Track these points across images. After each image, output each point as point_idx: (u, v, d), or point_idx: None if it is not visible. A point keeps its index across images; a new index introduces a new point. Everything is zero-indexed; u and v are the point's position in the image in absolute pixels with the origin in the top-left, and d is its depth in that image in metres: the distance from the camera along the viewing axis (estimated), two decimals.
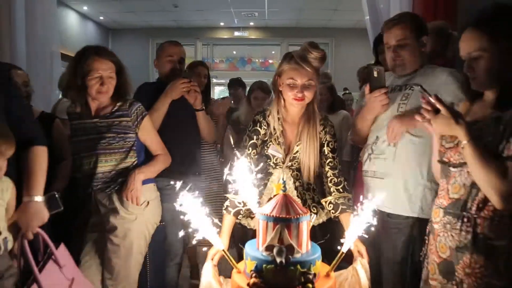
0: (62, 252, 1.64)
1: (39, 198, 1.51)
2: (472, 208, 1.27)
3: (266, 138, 1.81)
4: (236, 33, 8.80)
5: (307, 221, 1.40)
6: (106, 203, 1.88)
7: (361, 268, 1.55)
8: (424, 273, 1.49)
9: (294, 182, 1.81)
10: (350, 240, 1.43)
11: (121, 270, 1.85)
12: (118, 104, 1.92)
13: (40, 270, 1.51)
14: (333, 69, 8.30)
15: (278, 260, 1.29)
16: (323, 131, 1.80)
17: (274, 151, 1.81)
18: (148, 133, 1.97)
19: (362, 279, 1.52)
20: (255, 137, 1.80)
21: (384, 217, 1.78)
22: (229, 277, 1.49)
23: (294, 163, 1.81)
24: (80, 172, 1.91)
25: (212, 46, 9.61)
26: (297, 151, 1.79)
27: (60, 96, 3.37)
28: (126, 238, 1.86)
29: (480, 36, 1.26)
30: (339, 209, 1.73)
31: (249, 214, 1.83)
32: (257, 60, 10.54)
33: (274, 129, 1.79)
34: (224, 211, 1.73)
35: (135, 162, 1.93)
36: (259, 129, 1.80)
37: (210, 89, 3.00)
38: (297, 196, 1.80)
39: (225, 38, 8.95)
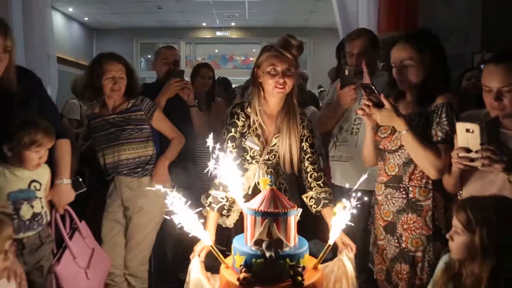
0: (83, 226, 1.98)
1: (67, 181, 1.85)
2: (406, 180, 1.66)
3: (244, 130, 1.81)
4: (218, 33, 9.11)
5: (295, 215, 1.42)
6: (133, 186, 2.19)
7: (347, 259, 1.59)
8: (372, 237, 1.86)
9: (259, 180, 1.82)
10: (336, 233, 1.47)
11: (141, 244, 2.19)
12: (131, 101, 2.24)
13: (70, 239, 1.85)
14: (311, 67, 8.72)
15: (267, 254, 1.31)
16: (301, 125, 1.83)
17: (251, 143, 1.82)
18: (160, 121, 2.30)
19: (349, 270, 1.57)
20: (233, 129, 1.80)
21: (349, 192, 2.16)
22: (216, 273, 1.52)
23: (271, 157, 1.84)
24: (104, 162, 2.22)
25: (194, 45, 9.90)
26: (274, 144, 1.81)
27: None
28: (149, 218, 2.19)
29: (411, 48, 1.66)
30: (321, 203, 1.77)
31: (226, 213, 1.86)
32: (238, 58, 10.83)
33: (253, 121, 1.80)
34: (208, 208, 1.75)
35: (154, 151, 2.26)
36: (237, 121, 1.80)
37: (215, 90, 3.19)
38: None
39: (208, 37, 9.26)
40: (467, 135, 1.35)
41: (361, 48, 2.19)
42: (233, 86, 5.24)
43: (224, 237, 1.84)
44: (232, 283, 1.35)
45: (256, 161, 1.83)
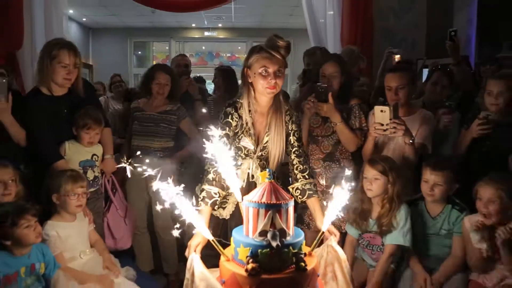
0: (120, 190, 2.77)
1: (111, 156, 2.64)
2: (337, 155, 2.49)
3: (237, 130, 1.89)
4: (206, 33, 9.81)
5: (292, 206, 1.51)
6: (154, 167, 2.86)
7: (336, 244, 1.71)
8: None
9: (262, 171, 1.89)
10: (329, 220, 1.60)
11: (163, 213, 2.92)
12: (170, 106, 2.93)
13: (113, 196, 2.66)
14: (291, 65, 9.52)
15: (273, 244, 1.37)
16: (290, 121, 1.93)
17: (246, 143, 1.90)
18: (185, 125, 2.97)
19: (340, 254, 1.69)
20: (227, 128, 1.87)
21: None
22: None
23: (264, 153, 1.93)
24: (135, 145, 2.85)
25: (183, 42, 10.59)
26: (266, 141, 1.91)
27: None
28: None
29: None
30: (306, 194, 1.88)
31: (221, 205, 1.96)
32: (224, 55, 11.50)
33: (246, 121, 1.88)
34: (201, 202, 1.78)
35: (173, 144, 2.95)
36: (230, 121, 1.88)
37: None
38: None
39: (197, 37, 9.95)
40: (381, 114, 2.19)
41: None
42: None
43: (216, 227, 1.93)
44: (239, 275, 1.40)
45: (250, 158, 1.94)
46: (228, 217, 1.97)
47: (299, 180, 1.90)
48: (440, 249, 2.12)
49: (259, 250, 1.39)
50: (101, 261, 2.12)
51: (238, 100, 1.92)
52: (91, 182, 2.41)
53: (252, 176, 1.93)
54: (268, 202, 1.43)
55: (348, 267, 1.70)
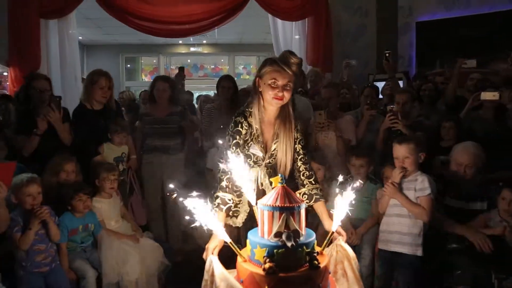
0: (137, 183, 3.66)
1: (135, 157, 3.52)
2: None
3: (246, 138, 1.95)
4: (192, 49, 10.73)
5: (305, 208, 1.59)
6: (163, 160, 3.60)
7: (345, 243, 1.78)
8: None
9: (269, 179, 1.95)
10: (338, 220, 1.68)
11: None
12: (174, 109, 3.62)
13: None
14: None
15: (289, 244, 1.45)
16: (295, 130, 1.99)
17: (255, 150, 1.97)
18: (187, 127, 3.75)
19: (350, 252, 1.74)
20: (237, 137, 1.93)
21: None
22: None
23: (272, 161, 2.00)
24: (148, 145, 3.59)
25: (170, 56, 11.45)
26: (274, 149, 1.97)
27: None
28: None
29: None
30: (313, 198, 1.94)
31: (233, 214, 2.04)
32: (208, 67, 12.45)
33: (256, 129, 1.94)
34: (216, 209, 1.86)
35: (180, 140, 3.69)
36: (240, 129, 1.93)
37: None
38: None
39: (183, 52, 10.86)
40: (319, 116, 3.22)
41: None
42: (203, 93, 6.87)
43: (233, 236, 1.93)
44: (257, 274, 1.48)
45: (259, 165, 2.01)
46: (241, 225, 2.06)
47: (306, 186, 1.99)
48: (362, 213, 2.96)
49: (275, 250, 1.49)
50: (130, 226, 3.02)
51: (247, 109, 1.99)
52: (121, 172, 3.30)
53: (261, 184, 2.03)
54: (282, 205, 1.52)
55: (358, 264, 1.78)
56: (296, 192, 1.93)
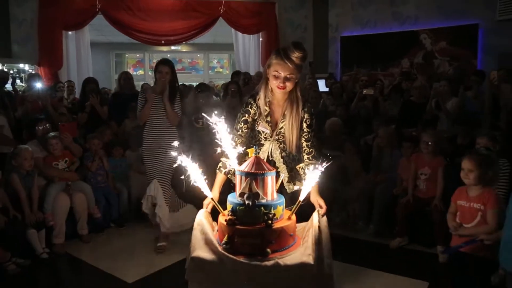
0: None
1: None
2: None
3: (255, 117, 2.21)
4: (173, 47, 12.54)
5: (272, 176, 1.87)
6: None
7: (316, 213, 2.00)
8: None
9: (281, 153, 2.24)
10: (306, 189, 1.91)
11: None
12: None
13: None
14: None
15: (246, 202, 1.76)
16: (303, 111, 2.18)
17: (262, 127, 2.21)
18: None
19: (314, 221, 1.94)
20: (246, 115, 2.20)
21: None
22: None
23: (280, 137, 2.21)
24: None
25: (153, 53, 13.20)
26: (281, 127, 2.19)
27: None
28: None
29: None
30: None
31: (233, 174, 2.18)
32: (186, 61, 14.29)
33: (263, 109, 2.18)
34: (217, 170, 2.18)
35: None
36: (250, 109, 2.20)
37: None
38: (283, 163, 2.22)
39: (165, 50, 12.66)
40: None
41: None
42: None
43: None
44: (222, 224, 1.86)
45: (269, 141, 2.24)
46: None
47: (305, 161, 2.18)
48: None
49: (237, 207, 1.81)
50: None
51: (258, 92, 2.21)
52: None
53: (271, 155, 2.24)
54: (248, 171, 1.83)
55: (317, 232, 1.88)
56: (296, 167, 2.24)
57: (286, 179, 2.25)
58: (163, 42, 7.75)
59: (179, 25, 7.49)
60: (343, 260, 3.08)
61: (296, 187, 2.21)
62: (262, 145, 2.25)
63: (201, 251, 1.86)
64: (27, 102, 4.73)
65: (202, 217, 2.00)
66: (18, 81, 7.14)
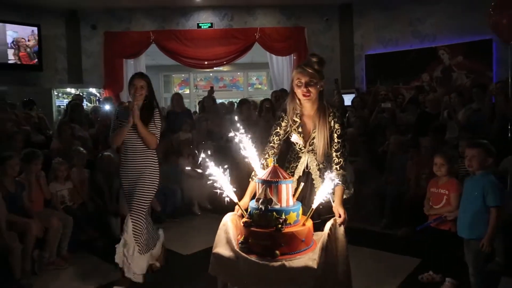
0: None
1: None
2: None
3: (287, 129, 2.33)
4: (215, 68, 13.70)
5: (287, 184, 1.99)
6: None
7: (330, 222, 2.04)
8: None
9: (318, 165, 2.31)
10: (319, 199, 2.00)
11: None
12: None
13: None
14: None
15: (260, 207, 1.93)
16: (333, 121, 2.25)
17: (295, 139, 2.32)
18: None
19: (326, 229, 2.00)
20: (278, 128, 2.34)
21: None
22: None
23: (314, 147, 2.28)
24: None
25: (197, 73, 14.35)
26: (313, 138, 2.27)
27: None
28: None
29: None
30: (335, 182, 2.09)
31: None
32: (227, 78, 15.17)
33: (294, 121, 2.29)
34: (250, 179, 2.29)
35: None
36: (281, 122, 2.34)
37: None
38: (319, 176, 2.28)
39: (207, 70, 13.83)
40: None
41: None
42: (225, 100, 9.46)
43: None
44: (240, 225, 2.05)
45: (303, 152, 2.35)
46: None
47: (333, 171, 2.21)
48: None
49: (254, 211, 1.99)
50: None
51: (286, 105, 2.35)
52: None
53: (308, 166, 2.35)
54: (264, 179, 1.99)
55: (325, 239, 1.95)
56: (325, 176, 2.12)
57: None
58: (206, 63, 8.87)
59: (219, 50, 8.61)
60: (362, 245, 3.87)
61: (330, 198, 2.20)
62: (300, 157, 2.37)
63: (221, 249, 2.06)
64: (99, 121, 5.88)
65: (228, 219, 2.16)
66: (86, 102, 8.52)
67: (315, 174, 2.32)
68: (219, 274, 2.11)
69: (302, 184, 2.21)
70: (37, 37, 7.91)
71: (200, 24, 8.80)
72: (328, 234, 1.98)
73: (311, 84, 2.17)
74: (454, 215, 2.96)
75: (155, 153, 3.21)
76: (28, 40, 7.90)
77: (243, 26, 8.92)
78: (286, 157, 2.43)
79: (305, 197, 2.27)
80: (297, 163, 2.37)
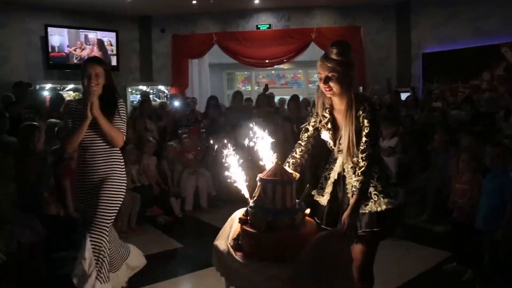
0: None
1: None
2: None
3: (316, 126, 2.18)
4: (276, 66, 14.16)
5: (283, 185, 1.93)
6: None
7: (322, 233, 1.96)
8: None
9: (353, 167, 2.04)
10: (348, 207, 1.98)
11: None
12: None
13: None
14: None
15: (252, 205, 1.97)
16: (361, 116, 1.99)
17: (325, 136, 2.16)
18: None
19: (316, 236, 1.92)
20: (307, 124, 2.23)
21: None
22: None
23: (341, 147, 2.07)
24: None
25: (259, 71, 14.85)
26: (341, 135, 2.05)
27: None
28: None
29: None
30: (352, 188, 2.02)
31: (322, 192, 2.20)
32: (288, 76, 15.56)
33: (324, 116, 2.13)
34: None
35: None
36: (310, 118, 2.22)
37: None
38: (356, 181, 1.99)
39: (269, 68, 14.35)
40: None
41: None
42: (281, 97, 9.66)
43: (320, 213, 2.20)
44: (238, 222, 2.07)
45: (340, 154, 2.10)
46: (325, 204, 2.19)
47: (356, 176, 2.01)
48: None
49: (249, 209, 2.02)
50: None
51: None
52: None
53: (343, 169, 2.13)
54: (262, 178, 1.98)
55: (311, 247, 1.86)
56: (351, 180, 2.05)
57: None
58: (266, 62, 9.41)
59: (278, 50, 9.07)
60: (401, 238, 4.00)
61: (366, 209, 2.04)
62: (336, 159, 2.18)
63: (220, 242, 2.10)
64: (169, 115, 6.60)
65: (237, 214, 2.14)
66: (156, 98, 9.45)
67: (349, 178, 2.09)
68: (215, 264, 2.13)
69: (308, 185, 2.16)
70: (115, 41, 8.93)
71: (259, 26, 9.32)
72: (314, 242, 1.85)
73: (332, 78, 1.99)
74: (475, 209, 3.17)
75: (120, 152, 2.69)
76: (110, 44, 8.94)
77: (300, 26, 9.26)
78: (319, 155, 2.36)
79: (337, 204, 2.14)
80: (333, 166, 2.19)
